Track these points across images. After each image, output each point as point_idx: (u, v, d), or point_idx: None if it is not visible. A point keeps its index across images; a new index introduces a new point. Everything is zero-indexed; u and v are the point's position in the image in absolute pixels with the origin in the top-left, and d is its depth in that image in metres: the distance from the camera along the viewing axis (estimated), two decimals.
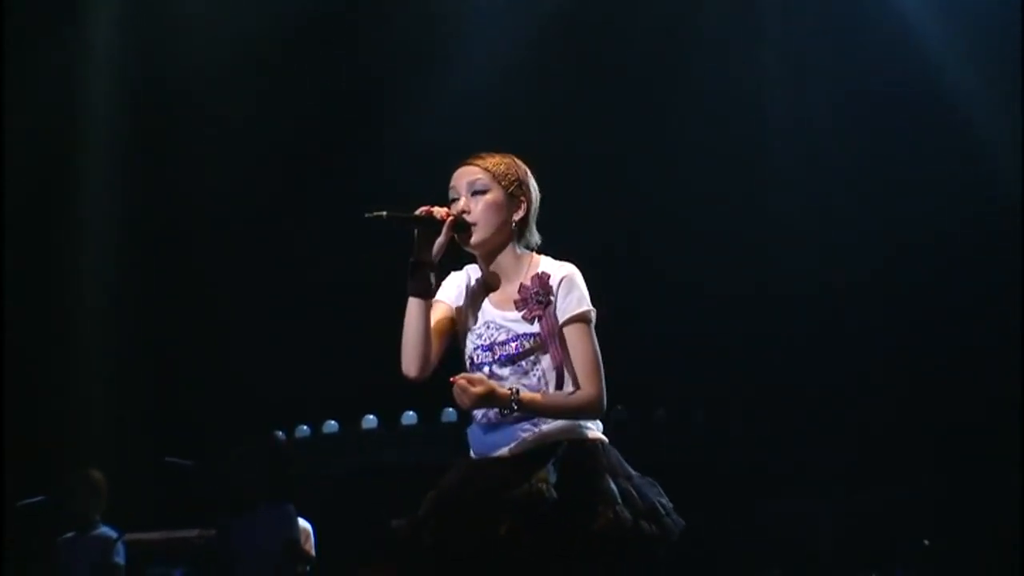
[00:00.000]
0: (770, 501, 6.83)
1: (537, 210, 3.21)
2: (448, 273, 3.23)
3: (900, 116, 7.40)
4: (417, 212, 3.09)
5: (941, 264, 7.16)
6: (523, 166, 3.21)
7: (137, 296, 8.10)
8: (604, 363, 3.09)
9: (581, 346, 3.04)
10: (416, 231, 3.08)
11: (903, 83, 7.42)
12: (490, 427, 3.11)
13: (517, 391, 3.01)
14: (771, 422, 7.19)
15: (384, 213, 3.04)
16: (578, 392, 3.03)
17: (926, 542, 6.28)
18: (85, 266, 8.16)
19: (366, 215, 3.01)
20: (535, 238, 3.20)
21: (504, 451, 3.09)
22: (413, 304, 3.08)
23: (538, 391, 3.06)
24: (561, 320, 3.05)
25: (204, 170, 8.09)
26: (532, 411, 3.03)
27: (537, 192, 3.22)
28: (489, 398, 2.98)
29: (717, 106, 7.65)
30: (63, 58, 8.01)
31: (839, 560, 6.50)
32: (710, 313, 7.41)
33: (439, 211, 3.10)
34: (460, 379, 2.98)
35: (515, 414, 3.02)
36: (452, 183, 3.18)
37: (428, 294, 3.09)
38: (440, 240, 3.08)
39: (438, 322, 3.14)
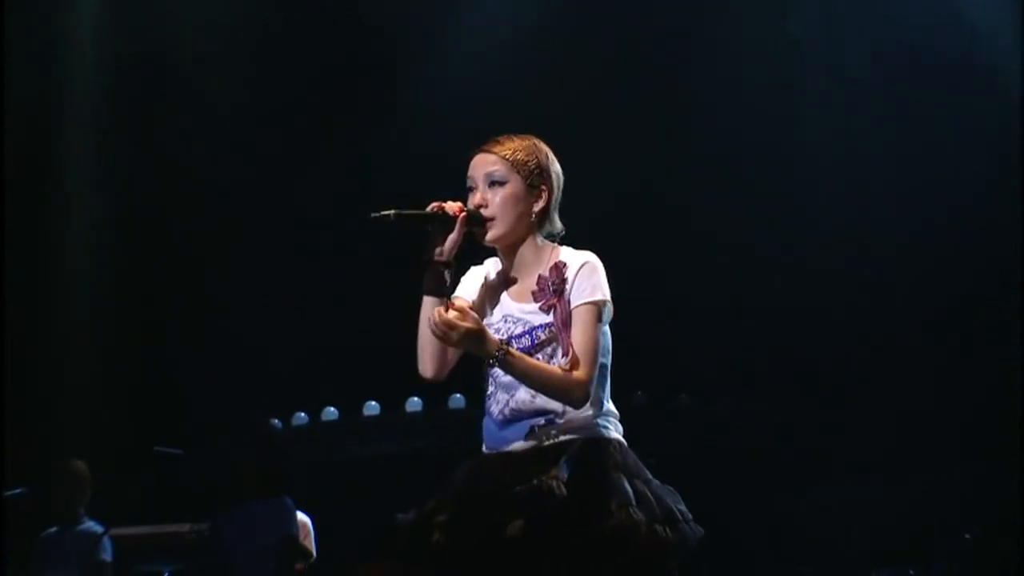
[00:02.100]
0: (800, 492, 6.81)
1: (560, 197, 3.21)
2: (466, 267, 3.23)
3: (937, 77, 7.36)
4: (429, 208, 3.08)
5: (981, 229, 7.11)
6: (544, 150, 3.20)
7: (124, 275, 8.08)
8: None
9: (583, 329, 3.05)
10: (429, 228, 3.07)
11: (941, 43, 7.37)
12: (504, 422, 3.12)
13: (508, 342, 3.02)
14: (801, 408, 7.16)
15: (391, 213, 3.02)
16: (566, 374, 3.01)
17: (967, 535, 6.23)
18: (68, 243, 8.15)
19: (372, 216, 3.00)
20: (557, 227, 3.20)
21: (517, 446, 3.10)
22: (428, 303, 3.08)
23: None
24: (573, 305, 3.06)
25: (195, 141, 8.04)
26: (516, 369, 3.01)
27: (560, 177, 3.21)
28: (479, 338, 2.96)
29: (749, 68, 7.61)
30: (45, 27, 7.97)
31: (874, 555, 6.48)
32: (735, 294, 7.37)
33: (452, 206, 3.09)
34: (448, 314, 2.94)
35: (498, 366, 3.01)
36: (469, 172, 3.17)
37: (443, 292, 3.09)
38: (453, 237, 3.08)
39: None
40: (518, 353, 3.01)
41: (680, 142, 7.64)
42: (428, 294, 3.08)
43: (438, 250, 3.07)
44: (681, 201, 7.56)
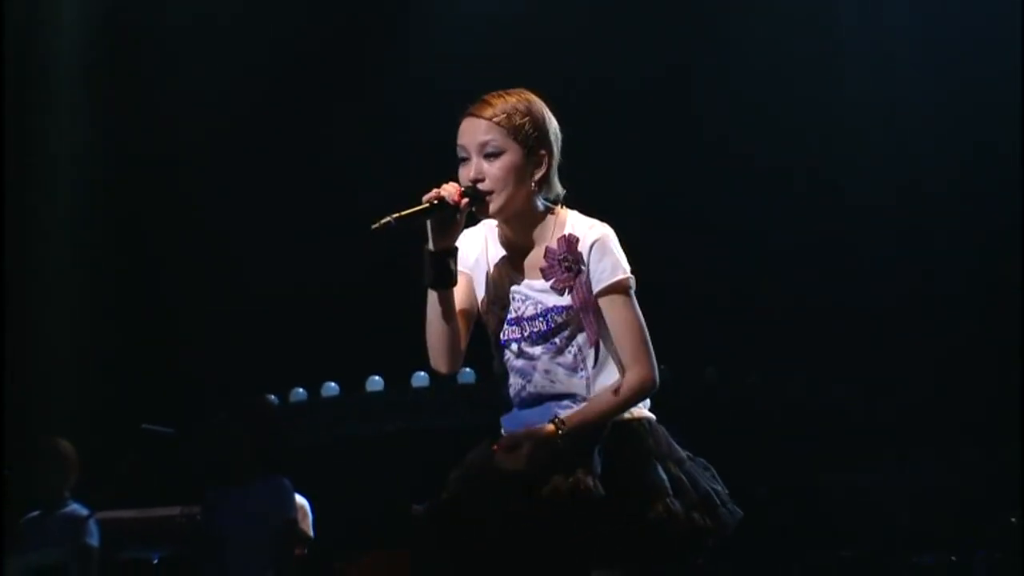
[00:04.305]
0: (836, 472, 6.76)
1: (559, 158, 3.12)
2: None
3: (977, 15, 7.30)
4: (425, 200, 3.00)
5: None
6: (539, 108, 3.11)
7: (110, 239, 8.03)
8: (646, 317, 3.03)
9: (621, 320, 3.01)
10: (428, 222, 3.00)
11: None
12: (523, 404, 3.08)
13: (562, 421, 2.97)
14: (838, 382, 7.10)
15: (391, 219, 2.95)
16: (626, 380, 3.00)
17: (1012, 519, 6.19)
18: (50, 203, 8.09)
19: (372, 227, 2.94)
20: (557, 190, 3.12)
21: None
22: (435, 296, 3.03)
23: (575, 369, 3.05)
24: (595, 291, 3.02)
25: (188, 91, 7.98)
26: (587, 430, 2.98)
27: (559, 137, 3.13)
28: (539, 447, 2.95)
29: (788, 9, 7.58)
30: None
31: (915, 540, 6.44)
32: (764, 254, 7.34)
33: (449, 191, 3.00)
34: (501, 455, 2.96)
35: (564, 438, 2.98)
36: (459, 140, 3.08)
37: (451, 282, 3.03)
38: (456, 223, 3.02)
39: (460, 296, 3.09)
40: (574, 417, 2.97)
41: (715, 85, 7.58)
42: (435, 287, 3.02)
43: (440, 238, 3.00)
44: (710, 150, 7.49)
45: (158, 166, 8.03)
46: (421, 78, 7.66)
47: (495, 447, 2.98)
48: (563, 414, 3.00)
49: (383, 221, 2.93)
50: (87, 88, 8.13)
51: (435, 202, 2.99)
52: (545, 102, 3.13)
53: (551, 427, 2.95)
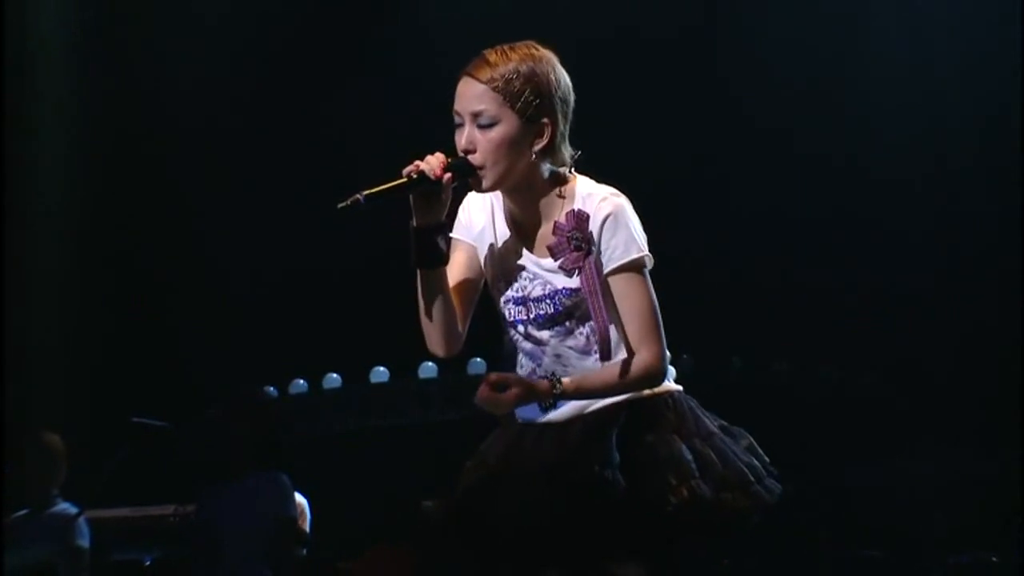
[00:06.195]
0: (867, 467, 6.73)
1: (568, 125, 2.99)
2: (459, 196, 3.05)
3: None
4: (404, 174, 2.88)
5: None
6: (544, 69, 2.94)
7: (102, 223, 8.05)
8: (666, 302, 2.96)
9: (631, 300, 2.92)
10: (411, 197, 2.89)
11: None
12: None
13: (559, 380, 2.92)
14: (868, 370, 7.08)
15: (360, 197, 2.82)
16: (633, 361, 2.92)
17: None
18: (41, 193, 8.09)
19: (339, 206, 2.81)
20: (565, 158, 2.98)
21: (554, 415, 2.99)
22: (425, 277, 2.95)
23: (587, 352, 2.99)
24: (606, 269, 2.94)
25: (183, 80, 8.00)
26: (581, 396, 2.94)
27: (567, 102, 2.97)
28: (527, 397, 2.91)
29: None
30: None
31: (951, 539, 6.41)
32: (790, 240, 7.31)
33: (431, 164, 2.88)
34: (484, 388, 2.88)
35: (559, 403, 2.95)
36: (455, 104, 2.96)
37: (441, 261, 2.94)
38: (442, 200, 2.91)
39: (460, 270, 3.02)
40: (571, 383, 2.92)
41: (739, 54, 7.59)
42: (420, 266, 2.92)
43: (426, 214, 2.90)
44: (738, 115, 7.49)
45: (152, 153, 8.04)
46: (427, 47, 7.65)
47: (485, 375, 2.90)
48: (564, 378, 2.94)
49: (352, 198, 2.81)
50: (78, 77, 8.14)
51: (414, 176, 2.87)
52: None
53: (547, 384, 2.90)
